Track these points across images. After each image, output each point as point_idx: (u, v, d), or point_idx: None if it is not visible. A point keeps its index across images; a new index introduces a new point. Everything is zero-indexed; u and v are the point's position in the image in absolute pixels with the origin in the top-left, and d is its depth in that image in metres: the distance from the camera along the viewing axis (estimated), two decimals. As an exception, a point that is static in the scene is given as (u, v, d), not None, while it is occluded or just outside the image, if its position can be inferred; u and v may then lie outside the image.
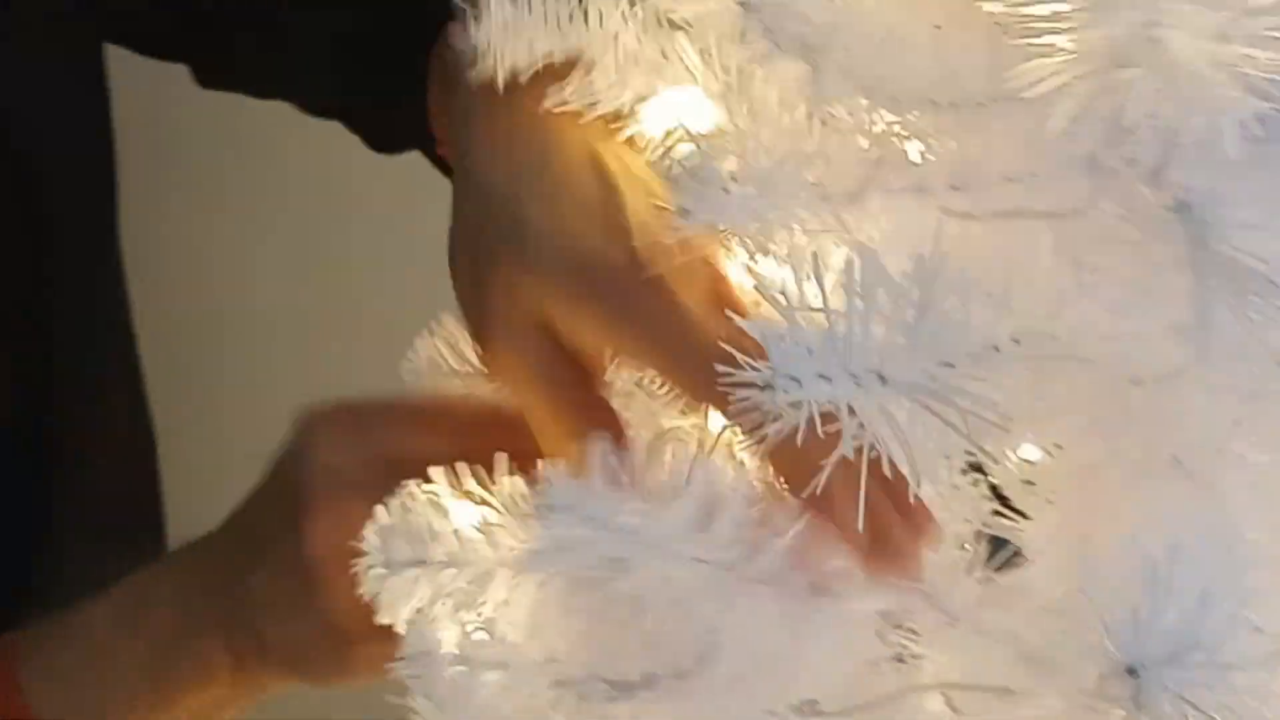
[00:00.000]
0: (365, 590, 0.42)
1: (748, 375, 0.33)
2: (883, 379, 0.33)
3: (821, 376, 0.33)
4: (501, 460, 0.43)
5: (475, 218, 0.48)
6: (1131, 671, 0.32)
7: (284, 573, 0.51)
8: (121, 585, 0.57)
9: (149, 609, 0.56)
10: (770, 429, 0.33)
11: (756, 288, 0.40)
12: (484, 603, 0.40)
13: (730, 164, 0.38)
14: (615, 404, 0.46)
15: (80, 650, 0.57)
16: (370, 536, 0.42)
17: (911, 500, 0.37)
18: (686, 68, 0.43)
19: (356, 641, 0.50)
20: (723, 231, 0.39)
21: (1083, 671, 0.34)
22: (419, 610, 0.42)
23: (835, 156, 0.38)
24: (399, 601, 0.42)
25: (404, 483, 0.44)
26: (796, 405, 0.33)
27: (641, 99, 0.45)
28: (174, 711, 0.55)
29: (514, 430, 0.47)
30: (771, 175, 0.38)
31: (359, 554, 0.42)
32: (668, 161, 0.43)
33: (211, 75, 0.74)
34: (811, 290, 0.35)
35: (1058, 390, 0.38)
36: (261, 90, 0.74)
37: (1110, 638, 0.33)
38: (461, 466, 0.42)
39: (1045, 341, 0.36)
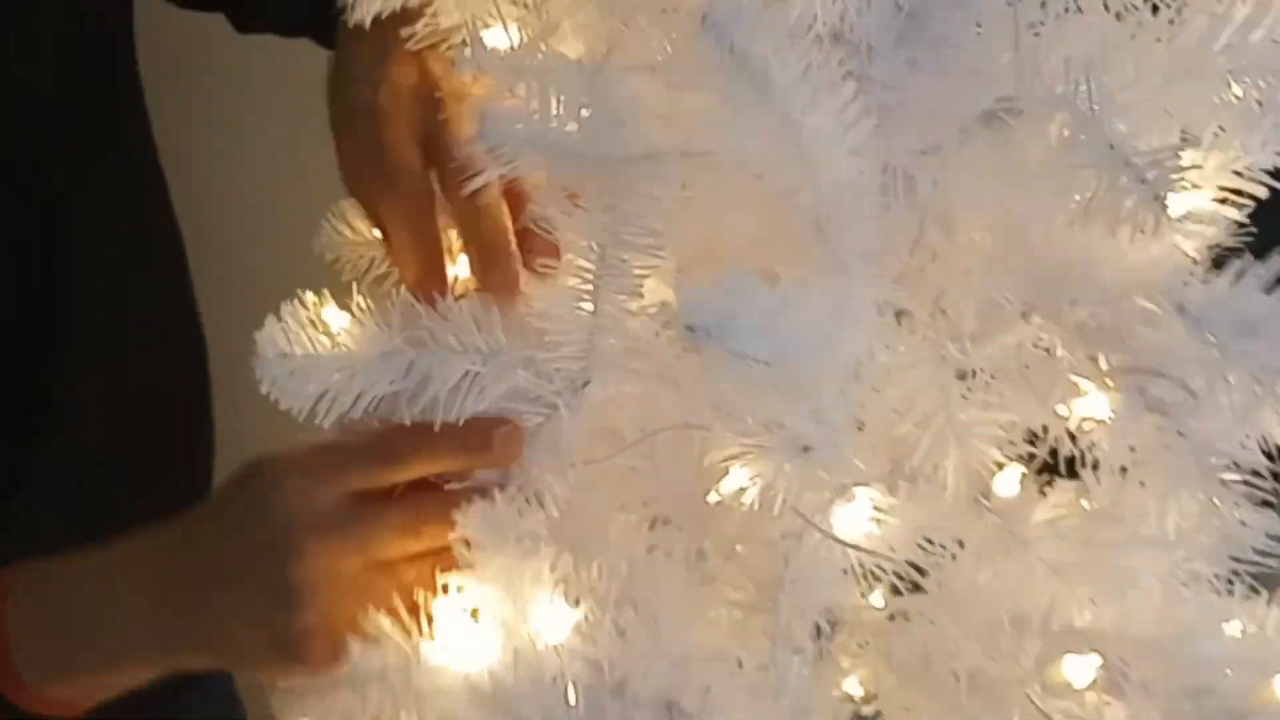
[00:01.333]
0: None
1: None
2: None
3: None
4: None
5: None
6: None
7: (256, 597, 0.58)
8: (107, 557, 0.63)
9: (124, 595, 0.63)
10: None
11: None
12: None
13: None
14: None
15: (59, 604, 0.64)
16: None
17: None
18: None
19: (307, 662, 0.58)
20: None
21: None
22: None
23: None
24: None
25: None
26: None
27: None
28: (116, 679, 0.63)
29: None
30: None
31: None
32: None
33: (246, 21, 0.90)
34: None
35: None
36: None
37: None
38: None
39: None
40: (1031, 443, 0.62)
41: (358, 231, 0.70)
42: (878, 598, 0.70)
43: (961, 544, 0.61)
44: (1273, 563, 0.68)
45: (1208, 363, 0.52)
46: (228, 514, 0.60)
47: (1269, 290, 0.51)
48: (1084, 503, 0.63)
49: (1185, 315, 0.50)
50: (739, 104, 0.47)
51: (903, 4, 0.58)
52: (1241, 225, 0.60)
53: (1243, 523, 0.58)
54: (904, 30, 0.59)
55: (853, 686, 0.75)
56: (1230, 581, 0.66)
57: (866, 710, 0.76)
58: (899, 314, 0.62)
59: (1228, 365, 0.51)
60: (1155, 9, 0.59)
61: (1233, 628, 0.65)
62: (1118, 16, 0.59)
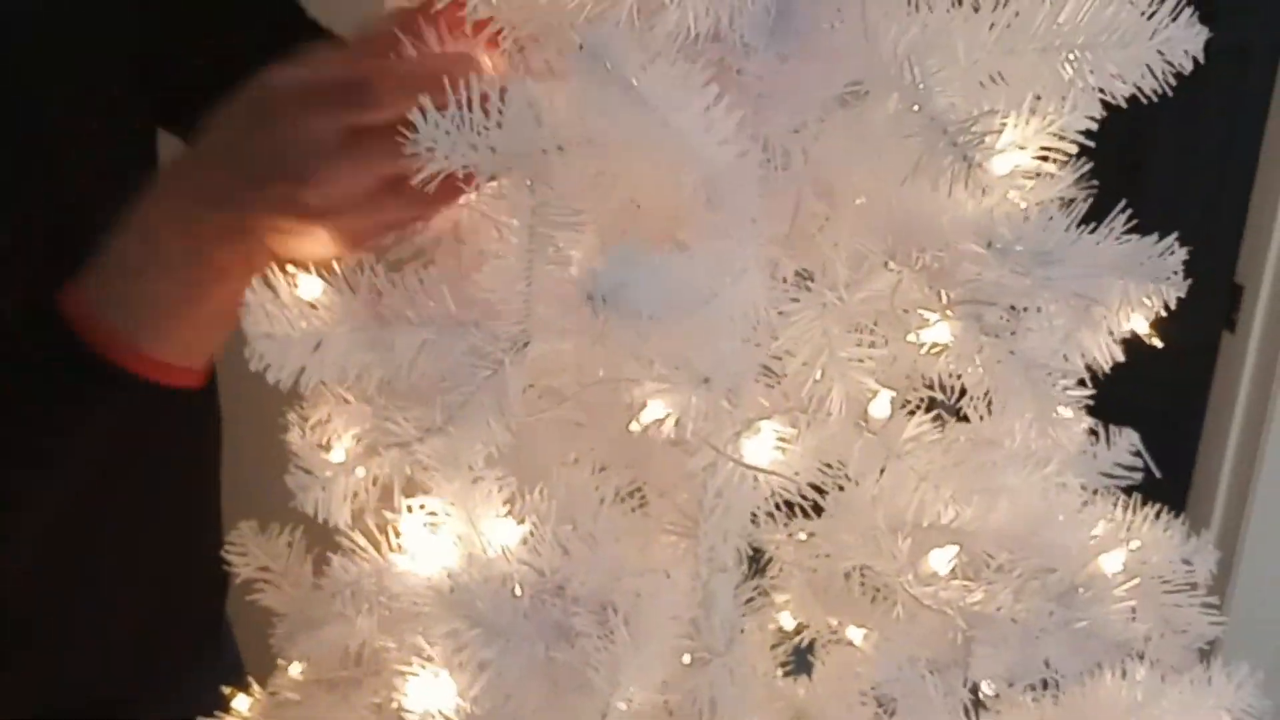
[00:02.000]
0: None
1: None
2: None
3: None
4: None
5: None
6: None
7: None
8: (134, 219, 0.73)
9: (164, 234, 0.72)
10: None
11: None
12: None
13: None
14: None
15: (126, 273, 0.73)
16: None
17: None
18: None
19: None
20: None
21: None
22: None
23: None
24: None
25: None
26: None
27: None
28: (206, 306, 0.73)
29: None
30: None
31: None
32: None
33: None
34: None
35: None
36: None
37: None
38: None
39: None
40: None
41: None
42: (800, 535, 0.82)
43: (845, 464, 0.72)
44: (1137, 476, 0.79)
45: (1025, 291, 0.63)
46: (235, 141, 0.69)
47: (1066, 229, 0.62)
48: (961, 435, 0.75)
49: (993, 250, 0.61)
50: (620, 111, 0.58)
51: (772, 6, 0.69)
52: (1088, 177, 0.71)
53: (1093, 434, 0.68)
54: (775, 27, 0.70)
55: (786, 621, 0.87)
56: (1096, 491, 0.78)
57: (801, 641, 0.87)
58: (790, 269, 0.73)
59: (1038, 292, 0.62)
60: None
61: (1100, 526, 0.76)
62: (959, 2, 0.70)
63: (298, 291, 0.66)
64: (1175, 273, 0.64)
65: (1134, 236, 0.65)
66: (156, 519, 0.97)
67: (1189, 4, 0.69)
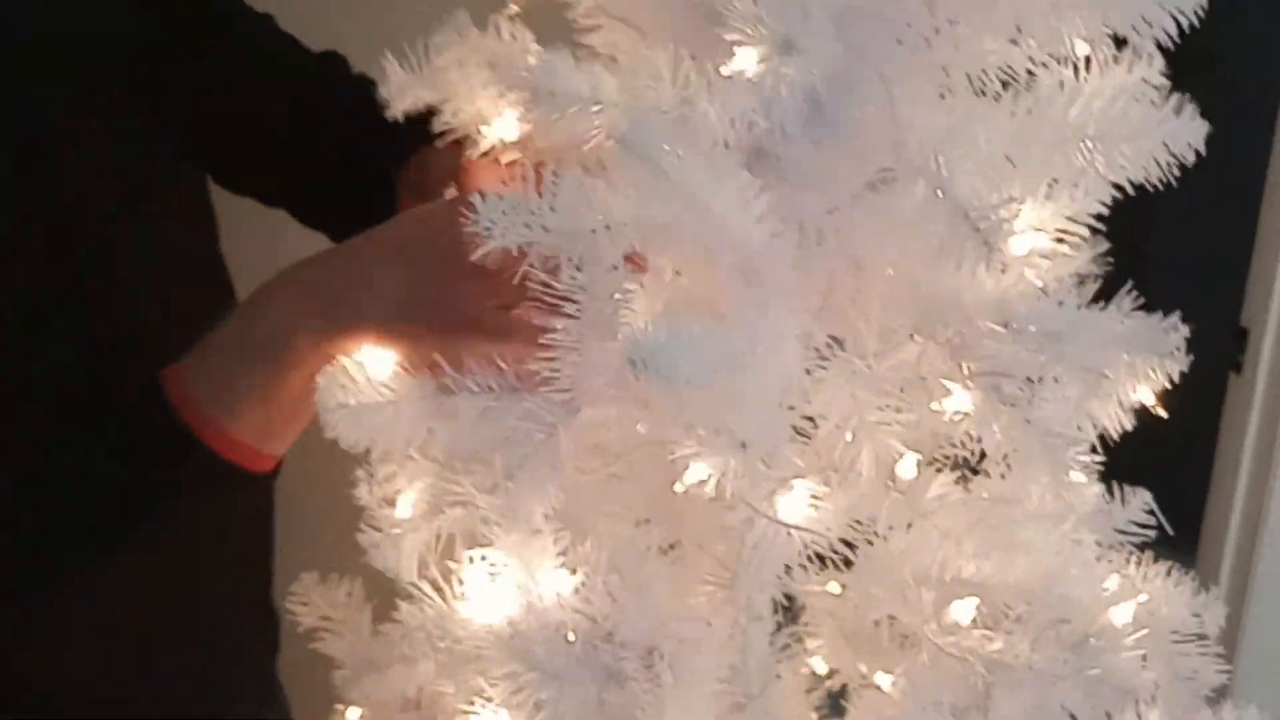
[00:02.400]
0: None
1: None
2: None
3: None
4: None
5: None
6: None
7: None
8: (255, 300, 0.80)
9: (257, 323, 0.78)
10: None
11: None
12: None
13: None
14: None
15: (218, 356, 0.79)
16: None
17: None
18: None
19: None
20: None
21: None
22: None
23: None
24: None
25: None
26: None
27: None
28: (287, 388, 0.77)
29: None
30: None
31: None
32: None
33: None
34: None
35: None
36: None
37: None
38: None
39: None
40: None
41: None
42: (833, 586, 0.87)
43: (875, 520, 0.77)
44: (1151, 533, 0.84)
45: (1040, 365, 0.69)
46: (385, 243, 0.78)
47: (1077, 307, 0.67)
48: (984, 493, 0.80)
49: (1010, 330, 0.66)
50: (660, 196, 0.64)
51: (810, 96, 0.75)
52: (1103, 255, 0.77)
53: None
54: (810, 116, 0.76)
55: (819, 666, 0.92)
56: (1112, 548, 0.83)
57: (833, 686, 0.93)
58: (822, 338, 0.78)
59: (1052, 366, 0.67)
60: (1006, 85, 0.77)
61: (1112, 581, 0.82)
62: (981, 93, 0.76)
63: (369, 371, 0.72)
64: (1178, 348, 0.70)
65: (1140, 314, 0.71)
66: (213, 585, 1.02)
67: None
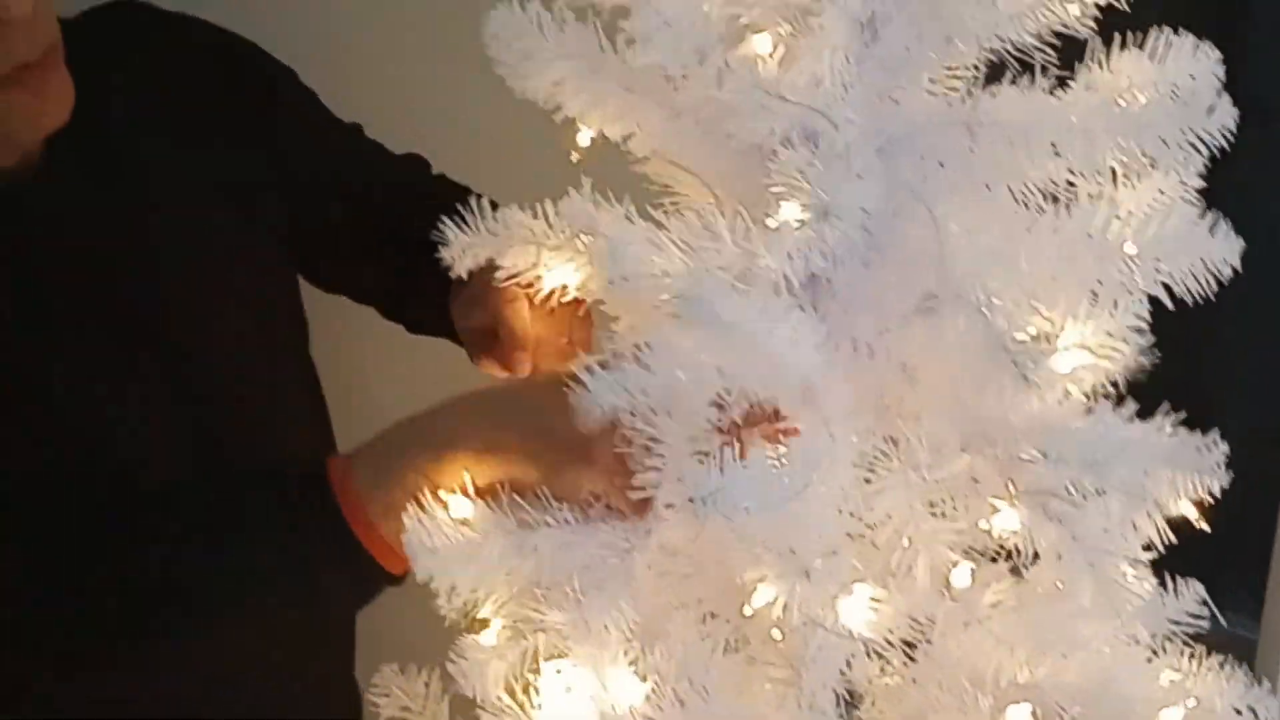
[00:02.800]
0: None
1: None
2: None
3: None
4: None
5: None
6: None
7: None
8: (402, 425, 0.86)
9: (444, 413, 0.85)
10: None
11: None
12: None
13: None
14: None
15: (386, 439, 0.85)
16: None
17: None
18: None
19: None
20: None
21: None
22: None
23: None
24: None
25: None
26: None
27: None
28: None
29: None
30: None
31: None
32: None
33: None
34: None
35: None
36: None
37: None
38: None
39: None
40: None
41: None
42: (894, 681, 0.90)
43: (932, 623, 0.81)
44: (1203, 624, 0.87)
45: (1084, 485, 0.72)
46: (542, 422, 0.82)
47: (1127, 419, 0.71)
48: (1037, 588, 0.83)
49: (1048, 458, 0.70)
50: (721, 344, 0.68)
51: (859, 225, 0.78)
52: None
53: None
54: (860, 240, 0.79)
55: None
56: (1167, 639, 0.86)
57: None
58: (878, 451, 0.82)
59: (1095, 487, 0.71)
60: (1054, 199, 0.80)
61: (1165, 677, 0.84)
62: (1024, 205, 0.79)
63: (452, 511, 0.77)
64: (1218, 465, 0.72)
65: (1181, 431, 0.74)
66: (318, 662, 1.08)
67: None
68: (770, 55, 0.73)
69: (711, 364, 0.72)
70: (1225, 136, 0.74)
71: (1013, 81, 0.77)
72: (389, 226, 1.15)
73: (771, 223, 0.70)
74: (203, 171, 1.05)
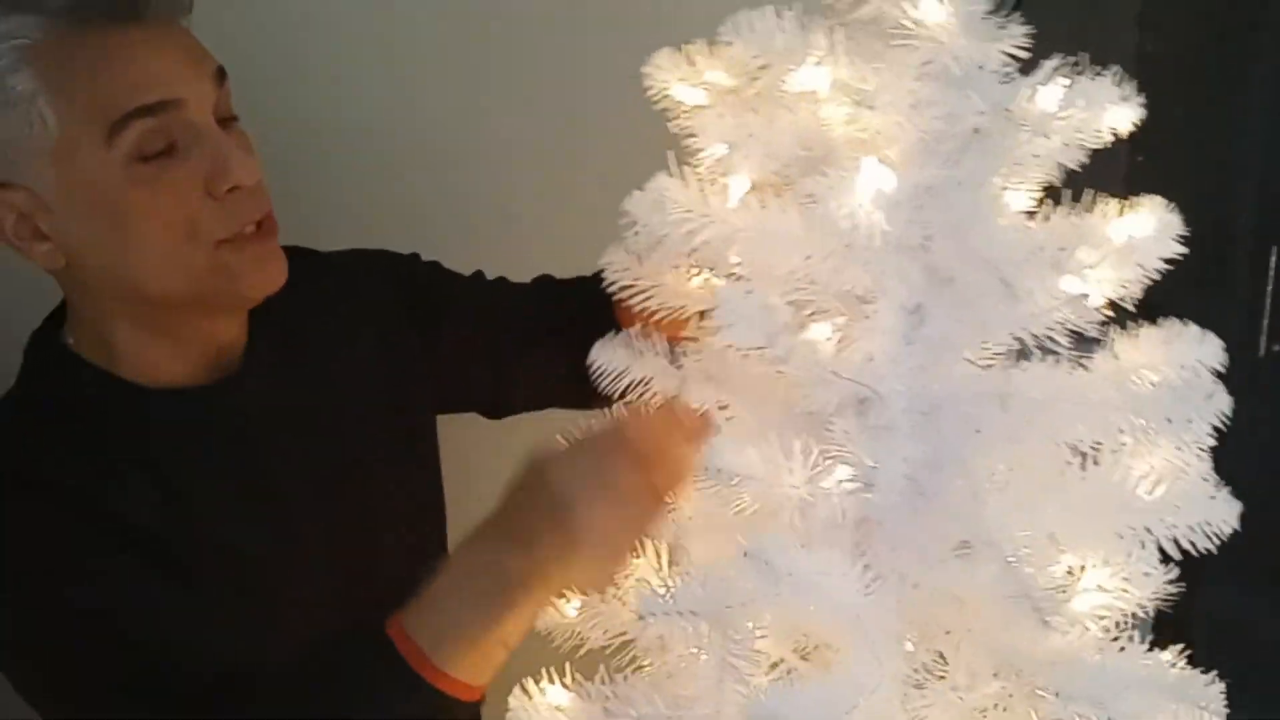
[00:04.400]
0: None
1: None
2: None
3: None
4: None
5: None
6: None
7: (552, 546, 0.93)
8: (452, 562, 0.97)
9: (473, 575, 0.96)
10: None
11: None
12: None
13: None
14: None
15: (438, 610, 0.96)
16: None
17: None
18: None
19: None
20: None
21: None
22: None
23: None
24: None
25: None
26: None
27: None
28: (500, 632, 0.94)
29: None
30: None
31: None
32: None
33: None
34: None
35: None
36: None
37: None
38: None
39: None
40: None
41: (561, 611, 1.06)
42: None
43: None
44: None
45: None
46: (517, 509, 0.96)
47: (1127, 667, 0.82)
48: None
49: (1060, 696, 0.81)
50: (782, 589, 0.81)
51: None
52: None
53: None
54: (906, 487, 0.92)
55: None
56: None
57: None
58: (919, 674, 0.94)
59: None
60: (1080, 453, 0.92)
61: None
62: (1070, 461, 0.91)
63: (548, 698, 0.90)
64: (1216, 700, 0.83)
65: (1185, 667, 0.85)
66: None
67: None
68: (829, 339, 0.87)
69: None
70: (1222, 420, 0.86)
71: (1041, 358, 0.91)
72: (547, 329, 1.31)
73: (826, 483, 0.84)
74: (371, 375, 1.25)
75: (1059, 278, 0.84)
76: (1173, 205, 0.90)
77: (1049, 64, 0.84)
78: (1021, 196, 0.89)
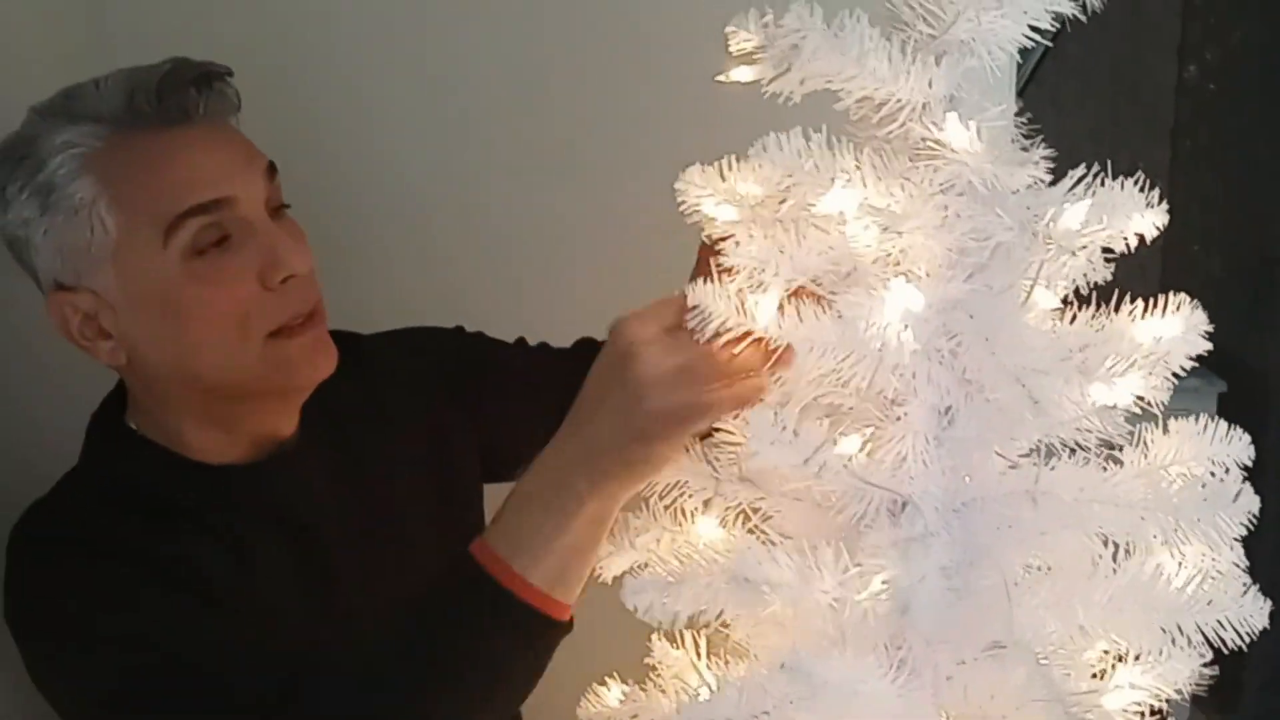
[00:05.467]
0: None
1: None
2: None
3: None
4: None
5: None
6: None
7: (618, 411, 0.92)
8: (527, 472, 0.98)
9: (542, 479, 0.97)
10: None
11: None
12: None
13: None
14: None
15: (513, 518, 0.98)
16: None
17: None
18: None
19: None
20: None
21: None
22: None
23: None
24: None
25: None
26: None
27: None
28: (570, 534, 0.95)
29: None
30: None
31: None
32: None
33: None
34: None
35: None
36: None
37: None
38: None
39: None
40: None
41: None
42: None
43: None
44: None
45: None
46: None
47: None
48: None
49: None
50: (822, 697, 0.83)
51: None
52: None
53: None
54: (941, 583, 0.94)
55: None
56: None
57: None
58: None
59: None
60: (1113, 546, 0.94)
61: None
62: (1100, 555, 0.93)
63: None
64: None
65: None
66: None
67: None
68: (860, 451, 0.89)
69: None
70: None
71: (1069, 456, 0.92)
72: None
73: (860, 595, 0.85)
74: (417, 452, 1.29)
75: (1086, 386, 0.85)
76: (1195, 303, 0.91)
77: (1075, 174, 0.86)
78: (1048, 295, 0.91)
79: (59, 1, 1.50)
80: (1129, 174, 0.87)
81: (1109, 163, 0.87)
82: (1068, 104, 3.25)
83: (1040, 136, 0.86)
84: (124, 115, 1.07)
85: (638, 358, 0.90)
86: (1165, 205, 0.88)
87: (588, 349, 1.37)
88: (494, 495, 1.34)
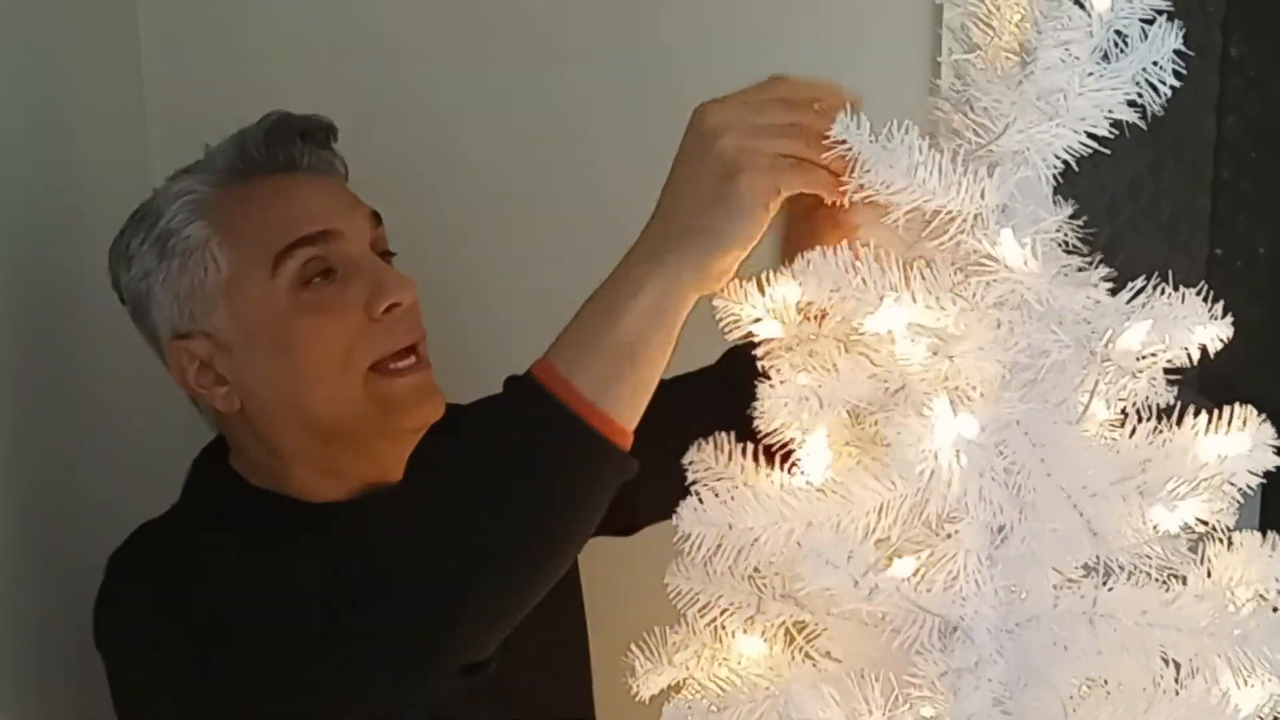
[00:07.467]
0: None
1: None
2: None
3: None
4: None
5: None
6: None
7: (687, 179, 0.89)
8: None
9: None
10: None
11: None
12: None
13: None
14: None
15: (571, 322, 0.92)
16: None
17: None
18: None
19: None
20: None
21: None
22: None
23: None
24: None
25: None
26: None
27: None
28: (623, 324, 0.89)
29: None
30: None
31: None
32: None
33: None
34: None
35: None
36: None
37: None
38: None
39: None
40: None
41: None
42: None
43: None
44: None
45: None
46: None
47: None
48: None
49: None
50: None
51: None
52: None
53: None
54: (992, 710, 0.89)
55: None
56: None
57: None
58: None
59: None
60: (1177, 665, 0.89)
61: None
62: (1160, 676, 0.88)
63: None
64: None
65: None
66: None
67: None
68: (913, 574, 0.85)
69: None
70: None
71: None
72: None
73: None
74: None
75: (1147, 510, 0.81)
76: (1264, 417, 0.87)
77: (1135, 286, 0.82)
78: (1105, 408, 0.87)
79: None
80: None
81: (1169, 272, 0.83)
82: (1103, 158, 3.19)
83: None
84: (236, 163, 1.13)
85: (709, 111, 0.88)
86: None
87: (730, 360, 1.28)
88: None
